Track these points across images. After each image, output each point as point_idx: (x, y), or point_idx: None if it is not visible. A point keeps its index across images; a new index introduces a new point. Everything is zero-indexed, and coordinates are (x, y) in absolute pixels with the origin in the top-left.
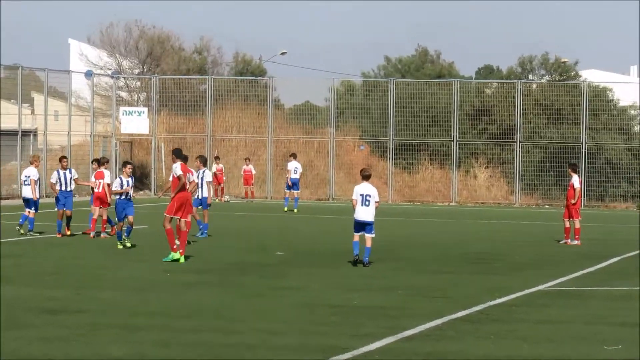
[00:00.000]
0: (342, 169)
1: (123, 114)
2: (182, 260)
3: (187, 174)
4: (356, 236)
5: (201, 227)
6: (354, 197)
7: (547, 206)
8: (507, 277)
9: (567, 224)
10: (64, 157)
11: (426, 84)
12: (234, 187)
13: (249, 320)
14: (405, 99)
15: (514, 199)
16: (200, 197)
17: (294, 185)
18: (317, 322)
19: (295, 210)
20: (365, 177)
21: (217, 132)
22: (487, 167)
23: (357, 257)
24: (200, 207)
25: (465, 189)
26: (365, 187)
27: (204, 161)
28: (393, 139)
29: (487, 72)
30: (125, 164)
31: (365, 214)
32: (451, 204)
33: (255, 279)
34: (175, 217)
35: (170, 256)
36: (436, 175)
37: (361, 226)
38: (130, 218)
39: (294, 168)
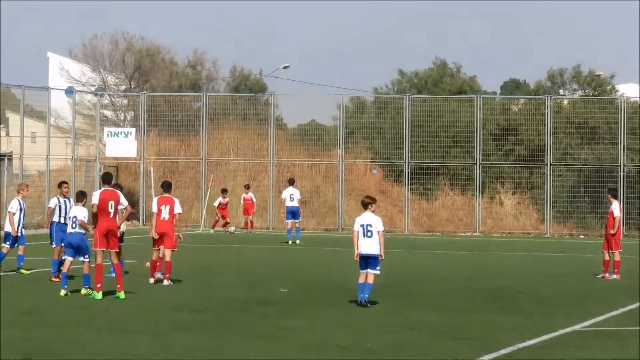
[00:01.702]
0: (353, 195)
1: (108, 135)
2: (122, 296)
3: (110, 202)
4: (362, 275)
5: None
6: (354, 228)
7: (582, 236)
8: (538, 316)
9: (607, 257)
10: (65, 182)
11: (445, 100)
12: (233, 216)
13: None
14: (422, 117)
15: (544, 229)
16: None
17: (291, 214)
18: None
19: (298, 242)
20: (365, 205)
21: (212, 154)
22: (514, 193)
23: (360, 303)
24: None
25: (490, 217)
26: (365, 217)
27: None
28: (409, 162)
29: (513, 86)
30: (61, 183)
31: (367, 246)
32: (474, 234)
33: (257, 319)
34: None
35: (93, 295)
36: (457, 202)
37: (365, 261)
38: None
39: (289, 195)
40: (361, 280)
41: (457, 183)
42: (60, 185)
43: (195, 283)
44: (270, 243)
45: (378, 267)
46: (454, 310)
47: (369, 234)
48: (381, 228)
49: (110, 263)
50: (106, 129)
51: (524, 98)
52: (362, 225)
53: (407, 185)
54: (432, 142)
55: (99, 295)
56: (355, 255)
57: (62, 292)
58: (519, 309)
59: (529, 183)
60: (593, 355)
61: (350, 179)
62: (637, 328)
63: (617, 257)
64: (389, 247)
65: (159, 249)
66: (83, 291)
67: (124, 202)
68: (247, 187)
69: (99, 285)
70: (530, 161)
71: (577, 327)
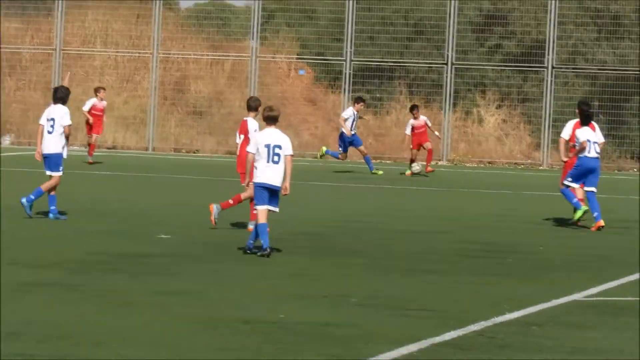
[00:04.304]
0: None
1: None
2: None
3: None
4: (261, 213)
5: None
6: (250, 148)
7: None
8: (524, 282)
9: None
10: None
11: None
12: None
13: (114, 345)
14: None
15: (540, 157)
16: None
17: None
18: (223, 347)
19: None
20: (270, 119)
21: (71, 43)
22: (499, 107)
23: (250, 250)
24: None
25: (464, 140)
26: (271, 135)
27: None
28: (351, 60)
29: None
30: None
31: (273, 175)
32: (441, 163)
33: (125, 279)
34: None
35: None
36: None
37: (268, 194)
38: None
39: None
40: (262, 219)
41: (419, 92)
42: None
43: (43, 231)
44: (152, 171)
45: (278, 205)
46: (407, 273)
47: (276, 158)
48: (291, 152)
49: None
50: None
51: None
52: (267, 146)
53: (347, 92)
54: (384, 33)
55: None
56: (247, 183)
57: None
58: (499, 271)
59: (520, 93)
60: (599, 335)
61: (268, 82)
62: None
63: None
64: (310, 179)
65: None
66: None
67: None
68: (101, 90)
69: None
70: (524, 63)
71: (577, 296)
